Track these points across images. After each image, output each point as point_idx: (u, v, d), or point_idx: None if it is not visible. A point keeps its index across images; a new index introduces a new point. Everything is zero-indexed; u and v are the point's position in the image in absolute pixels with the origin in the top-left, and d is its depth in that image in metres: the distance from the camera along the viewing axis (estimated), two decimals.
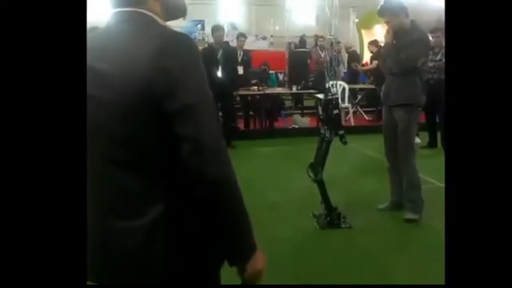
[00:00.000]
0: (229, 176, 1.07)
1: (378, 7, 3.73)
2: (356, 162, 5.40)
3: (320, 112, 3.67)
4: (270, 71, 9.02)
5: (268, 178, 4.90)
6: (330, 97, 3.58)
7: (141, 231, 1.08)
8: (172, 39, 1.05)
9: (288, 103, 9.55)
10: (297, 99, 9.26)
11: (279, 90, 7.97)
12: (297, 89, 7.97)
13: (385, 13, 3.69)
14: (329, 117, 3.54)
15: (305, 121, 8.18)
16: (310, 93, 8.00)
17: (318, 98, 3.71)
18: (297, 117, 8.33)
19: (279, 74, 10.46)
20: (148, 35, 1.06)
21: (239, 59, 7.67)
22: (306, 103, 9.04)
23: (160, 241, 1.08)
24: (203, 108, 1.04)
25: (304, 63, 8.46)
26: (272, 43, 12.07)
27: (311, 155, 3.69)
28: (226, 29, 11.69)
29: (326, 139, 3.58)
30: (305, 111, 8.65)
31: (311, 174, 3.60)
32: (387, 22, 3.70)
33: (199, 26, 11.84)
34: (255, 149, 6.77)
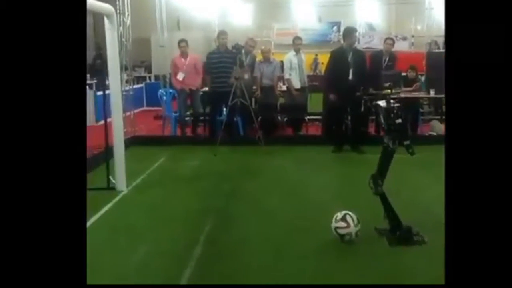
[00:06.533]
0: None
1: None
2: None
3: (382, 121, 3.38)
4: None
5: (394, 187, 4.61)
6: (391, 105, 3.27)
7: None
8: None
9: (426, 108, 8.94)
10: (436, 104, 8.62)
11: (415, 94, 7.48)
12: (435, 93, 7.42)
13: None
14: (391, 127, 3.28)
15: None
16: None
17: (379, 106, 3.38)
18: (436, 123, 7.74)
19: (420, 77, 9.84)
20: None
21: (384, 64, 7.46)
22: None
23: None
24: None
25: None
26: (413, 43, 11.41)
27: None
28: (363, 30, 11.39)
29: (389, 149, 3.34)
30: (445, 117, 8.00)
31: (372, 186, 3.39)
32: None
33: (335, 28, 11.72)
34: None
